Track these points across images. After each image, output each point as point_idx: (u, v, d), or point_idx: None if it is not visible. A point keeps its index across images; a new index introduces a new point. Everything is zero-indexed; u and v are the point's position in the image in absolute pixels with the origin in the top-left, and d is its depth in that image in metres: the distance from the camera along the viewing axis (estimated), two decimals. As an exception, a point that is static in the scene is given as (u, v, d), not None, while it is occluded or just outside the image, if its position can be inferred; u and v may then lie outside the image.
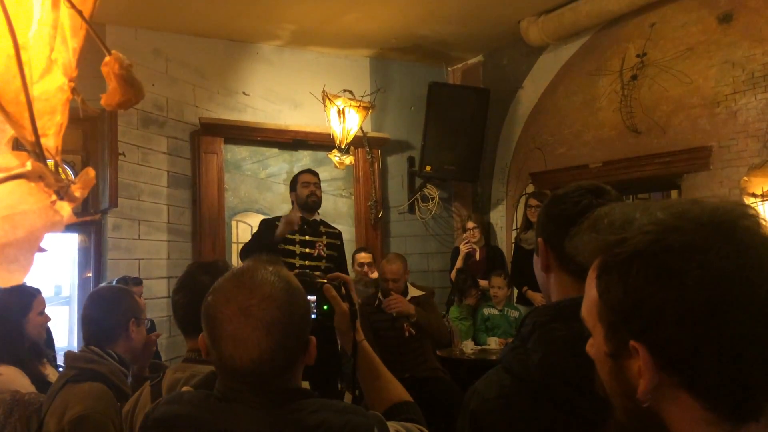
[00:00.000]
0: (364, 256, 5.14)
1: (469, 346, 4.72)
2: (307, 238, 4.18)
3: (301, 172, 4.40)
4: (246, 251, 4.13)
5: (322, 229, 4.31)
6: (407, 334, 4.04)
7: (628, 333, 0.69)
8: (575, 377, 1.11)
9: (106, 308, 2.07)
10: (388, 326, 4.09)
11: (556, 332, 1.15)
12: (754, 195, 3.88)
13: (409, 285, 4.24)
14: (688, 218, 0.68)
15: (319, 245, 4.20)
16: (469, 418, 1.21)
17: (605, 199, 1.24)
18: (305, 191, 4.20)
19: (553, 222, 1.30)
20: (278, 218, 4.24)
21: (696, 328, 0.64)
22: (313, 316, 1.41)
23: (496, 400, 1.18)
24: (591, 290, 0.76)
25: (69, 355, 2.06)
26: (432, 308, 4.25)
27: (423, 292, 4.24)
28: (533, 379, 1.16)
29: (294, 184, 4.31)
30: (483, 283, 5.19)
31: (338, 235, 4.43)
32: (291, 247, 4.10)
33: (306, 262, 4.10)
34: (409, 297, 4.13)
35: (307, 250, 4.15)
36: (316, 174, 4.37)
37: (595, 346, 0.77)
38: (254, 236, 4.32)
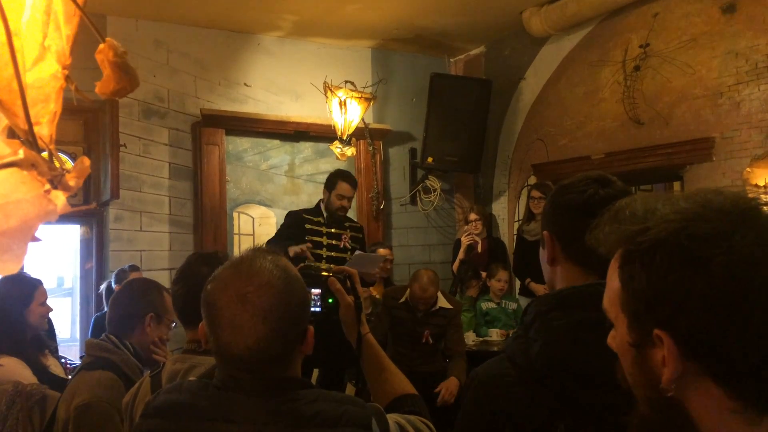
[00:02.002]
0: (388, 253, 5.20)
1: (470, 338, 4.72)
2: (333, 230, 4.32)
3: (341, 178, 4.33)
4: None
5: (346, 223, 4.46)
6: (424, 340, 3.99)
7: (652, 321, 0.69)
8: (576, 366, 1.12)
9: (132, 295, 2.10)
10: (409, 327, 4.03)
11: (557, 321, 1.15)
12: (756, 186, 3.86)
13: (439, 294, 4.10)
14: (711, 207, 0.68)
15: (345, 237, 4.35)
16: (468, 404, 1.22)
17: (611, 188, 1.24)
18: (338, 203, 4.28)
19: (559, 212, 1.29)
20: (305, 210, 4.40)
21: (721, 314, 0.64)
22: (318, 309, 1.41)
23: (496, 388, 1.18)
24: (613, 281, 0.76)
25: (88, 343, 2.08)
26: (457, 327, 4.15)
27: (452, 306, 4.12)
28: (534, 369, 1.16)
29: (331, 186, 4.30)
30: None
31: (360, 229, 4.59)
32: (318, 239, 4.23)
33: (333, 253, 4.25)
34: (437, 307, 4.03)
35: (334, 242, 4.30)
36: (355, 186, 4.39)
37: (618, 337, 0.77)
38: (278, 231, 4.39)
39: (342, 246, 4.31)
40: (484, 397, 1.19)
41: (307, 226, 4.23)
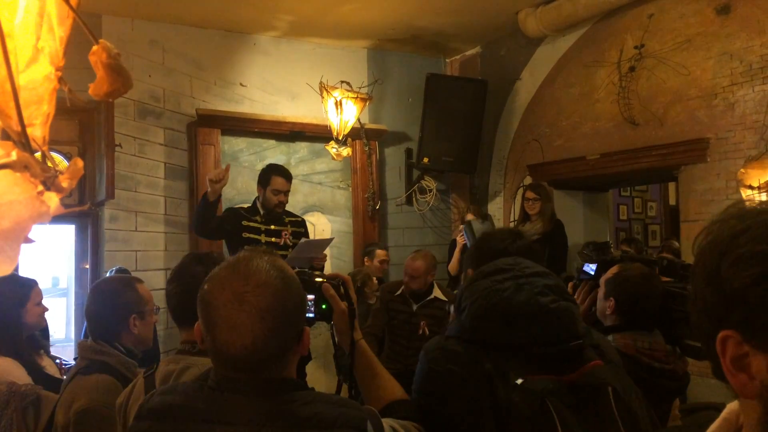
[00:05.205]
0: (384, 254, 5.31)
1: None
2: (272, 227, 4.16)
3: (274, 172, 4.19)
4: (195, 227, 4.08)
5: (286, 218, 4.27)
6: (421, 332, 3.97)
7: None
8: (496, 310, 1.37)
9: (105, 304, 2.04)
10: (405, 319, 4.05)
11: (479, 285, 1.43)
12: (750, 187, 3.87)
13: (435, 285, 4.13)
14: None
15: (285, 234, 4.18)
16: (418, 370, 1.45)
17: (522, 240, 1.67)
18: (275, 199, 4.11)
19: (482, 255, 1.65)
20: (243, 208, 4.22)
21: None
22: (311, 314, 1.41)
23: (435, 352, 1.42)
24: None
25: (81, 345, 2.05)
26: None
27: (447, 299, 4.07)
28: (465, 329, 1.41)
29: (265, 182, 4.15)
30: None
31: (302, 223, 4.40)
32: (256, 236, 4.07)
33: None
34: (432, 296, 4.05)
35: (273, 239, 4.13)
36: (290, 179, 4.23)
37: None
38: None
39: (282, 243, 4.12)
40: (427, 362, 1.43)
41: (245, 223, 4.07)
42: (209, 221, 3.91)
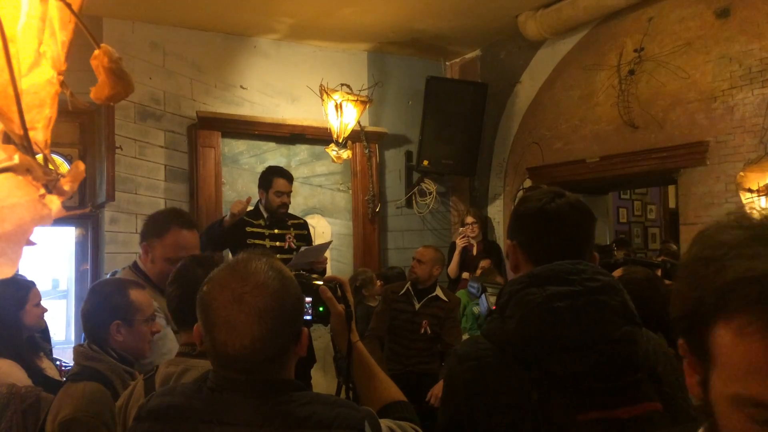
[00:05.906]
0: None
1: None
2: (276, 231, 4.18)
3: (276, 174, 4.22)
4: (204, 248, 4.11)
5: (289, 221, 4.29)
6: (423, 330, 4.02)
7: None
8: (550, 335, 1.21)
9: (94, 305, 1.99)
10: (407, 318, 4.08)
11: (532, 296, 1.25)
12: (750, 190, 3.88)
13: (438, 286, 4.20)
14: None
15: (289, 237, 4.20)
16: (447, 379, 1.33)
17: (563, 199, 1.39)
18: (278, 200, 4.14)
19: (519, 221, 1.43)
20: (246, 213, 4.18)
21: None
22: (308, 317, 1.42)
23: (471, 361, 1.28)
24: None
25: (76, 350, 2.01)
26: (454, 321, 4.16)
27: (448, 300, 4.16)
28: (511, 343, 1.24)
29: (267, 184, 4.18)
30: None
31: (304, 225, 4.43)
32: (260, 241, 4.09)
33: (277, 255, 4.06)
34: (434, 294, 4.11)
35: (278, 243, 4.14)
36: (291, 179, 4.26)
37: None
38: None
39: (287, 247, 4.14)
40: (461, 372, 1.28)
41: (248, 229, 4.09)
42: (219, 244, 3.96)
